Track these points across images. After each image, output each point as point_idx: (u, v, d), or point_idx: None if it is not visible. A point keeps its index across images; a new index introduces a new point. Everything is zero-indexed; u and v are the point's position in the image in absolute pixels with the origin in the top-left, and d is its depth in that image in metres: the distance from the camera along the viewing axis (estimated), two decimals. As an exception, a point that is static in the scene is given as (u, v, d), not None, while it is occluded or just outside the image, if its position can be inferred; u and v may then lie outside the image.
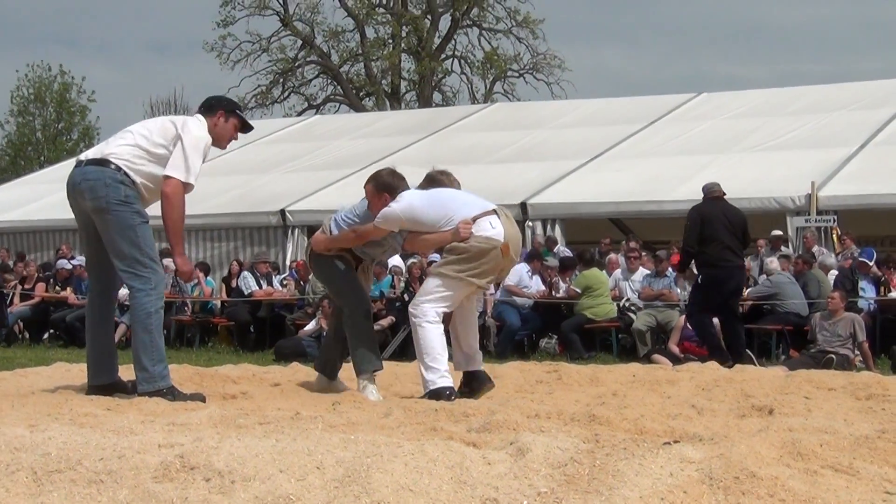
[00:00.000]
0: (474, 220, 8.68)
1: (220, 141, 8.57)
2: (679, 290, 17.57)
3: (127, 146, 8.18)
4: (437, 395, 8.29)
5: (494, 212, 8.86)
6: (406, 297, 17.61)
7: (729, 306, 14.74)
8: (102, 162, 8.14)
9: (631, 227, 23.25)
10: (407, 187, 9.20)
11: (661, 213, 20.98)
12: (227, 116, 8.56)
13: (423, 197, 9.05)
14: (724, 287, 14.55)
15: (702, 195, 15.17)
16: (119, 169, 8.08)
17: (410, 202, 8.91)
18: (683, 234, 15.01)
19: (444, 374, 8.56)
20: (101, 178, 8.09)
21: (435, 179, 9.43)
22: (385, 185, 9.15)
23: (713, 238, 14.53)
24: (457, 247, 8.63)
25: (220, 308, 21.23)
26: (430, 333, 8.61)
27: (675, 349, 15.61)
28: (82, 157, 8.44)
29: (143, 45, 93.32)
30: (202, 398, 8.01)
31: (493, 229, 8.71)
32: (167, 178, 8.09)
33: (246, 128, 8.79)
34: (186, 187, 8.16)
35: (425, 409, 6.98)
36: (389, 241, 9.43)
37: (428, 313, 8.64)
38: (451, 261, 8.67)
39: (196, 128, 8.29)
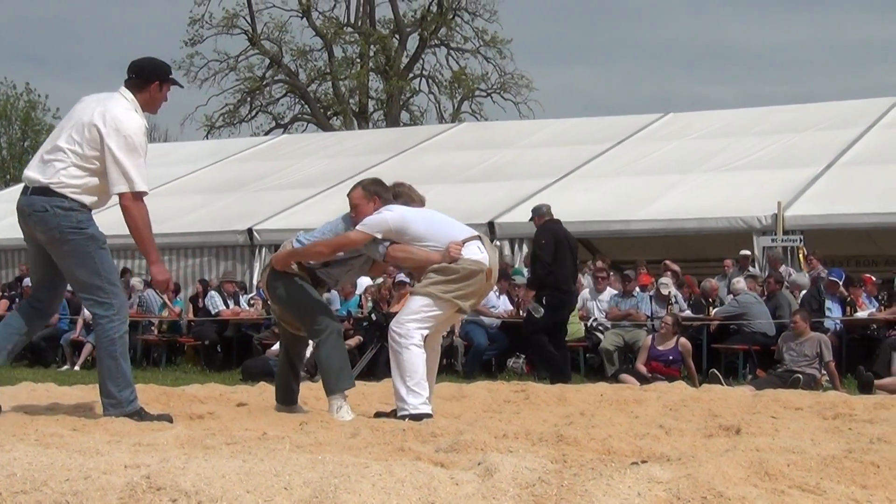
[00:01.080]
0: (463, 242, 8.65)
1: (153, 108, 8.36)
2: (646, 310, 17.61)
3: (64, 169, 7.92)
4: (417, 419, 8.07)
5: (479, 237, 8.85)
6: (373, 316, 17.60)
7: (563, 330, 15.31)
8: (47, 191, 7.93)
9: (598, 247, 23.30)
10: (391, 198, 9.07)
11: (629, 232, 21.06)
12: (161, 86, 8.31)
13: (415, 212, 8.96)
14: (565, 310, 14.94)
15: (536, 216, 15.13)
16: (65, 197, 7.91)
17: (403, 214, 8.80)
18: (536, 255, 15.06)
19: (426, 402, 8.45)
20: (49, 209, 7.91)
21: (401, 195, 9.28)
22: (375, 191, 8.99)
23: (562, 260, 14.72)
24: (447, 267, 8.55)
25: (186, 327, 21.16)
26: (416, 357, 8.46)
27: (643, 369, 15.64)
28: (26, 177, 8.16)
29: (110, 63, 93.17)
30: (169, 419, 7.95)
31: (481, 253, 8.69)
32: (119, 194, 8.00)
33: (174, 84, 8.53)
34: (140, 195, 8.07)
35: (393, 429, 6.97)
36: (356, 261, 9.16)
37: (414, 336, 8.48)
38: (438, 281, 8.55)
39: (122, 124, 8.02)
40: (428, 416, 8.27)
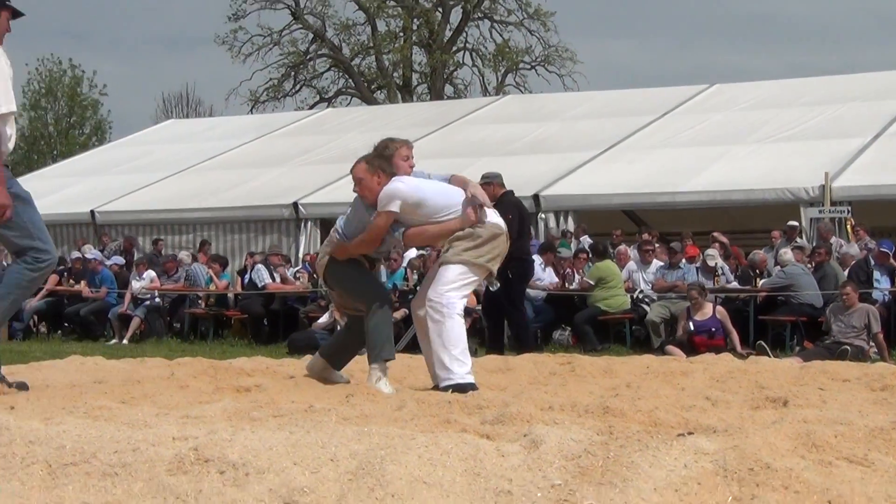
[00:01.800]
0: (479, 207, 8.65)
1: None
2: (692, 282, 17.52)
3: None
4: (462, 389, 8.01)
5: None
6: (418, 289, 17.58)
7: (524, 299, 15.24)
8: None
9: (644, 219, 23.22)
10: (395, 171, 8.88)
11: (674, 204, 20.99)
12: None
13: (426, 182, 8.94)
14: (527, 280, 14.81)
15: (495, 183, 14.67)
16: None
17: (418, 184, 8.78)
18: (511, 231, 14.66)
19: (470, 371, 8.48)
20: None
21: (390, 157, 8.99)
22: (379, 165, 8.80)
23: (524, 231, 14.63)
24: (472, 233, 8.57)
25: (233, 301, 21.25)
26: (459, 326, 8.50)
27: (681, 335, 15.63)
28: None
29: (154, 39, 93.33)
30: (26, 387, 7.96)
31: (497, 217, 8.78)
32: None
33: (16, 15, 8.39)
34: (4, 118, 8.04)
35: (439, 402, 6.98)
36: (388, 235, 8.92)
37: (457, 305, 8.50)
38: (469, 247, 8.56)
39: None
40: (473, 386, 8.26)
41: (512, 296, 14.36)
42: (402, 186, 8.63)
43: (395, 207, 8.55)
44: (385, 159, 8.96)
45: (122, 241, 24.46)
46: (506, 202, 14.34)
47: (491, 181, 14.32)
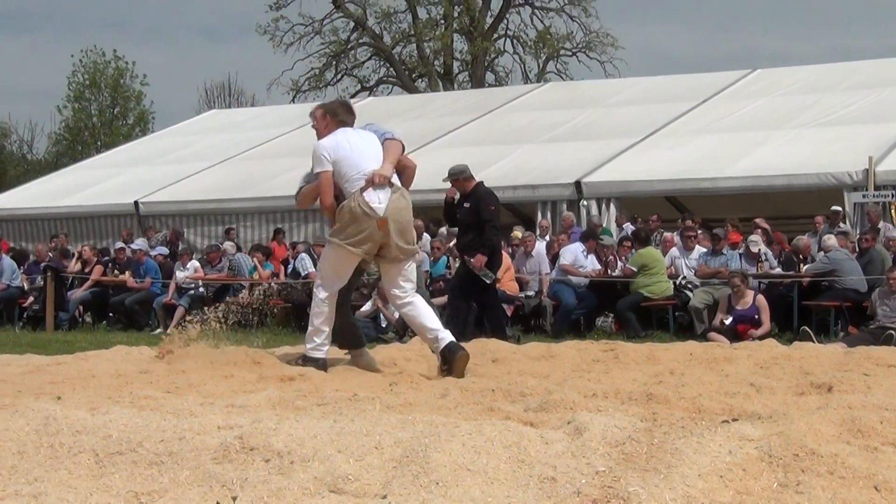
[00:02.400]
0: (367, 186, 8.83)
1: None
2: (735, 268, 17.44)
3: None
4: (313, 362, 8.98)
5: (390, 182, 8.95)
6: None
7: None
8: None
9: (686, 205, 23.12)
10: (350, 121, 9.28)
11: (716, 190, 20.90)
12: None
13: (354, 143, 9.09)
14: (495, 270, 14.73)
15: (462, 178, 14.47)
16: None
17: (339, 142, 9.04)
18: (485, 221, 14.36)
19: (319, 348, 9.13)
20: None
21: (340, 114, 9.39)
22: (332, 109, 9.32)
23: (497, 221, 14.54)
24: (339, 211, 8.88)
25: (277, 291, 21.31)
26: (324, 307, 9.14)
27: (720, 323, 15.58)
28: None
29: (196, 30, 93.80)
30: None
31: (379, 203, 8.82)
32: None
33: None
34: None
35: (482, 390, 6.99)
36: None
37: (320, 291, 9.12)
38: (336, 229, 8.97)
39: None
40: (319, 361, 9.02)
41: (482, 285, 14.27)
42: (324, 143, 9.02)
43: (323, 166, 8.96)
44: (344, 107, 9.42)
45: (168, 232, 24.63)
46: (480, 194, 14.26)
47: (458, 177, 14.26)
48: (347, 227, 8.84)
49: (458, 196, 14.38)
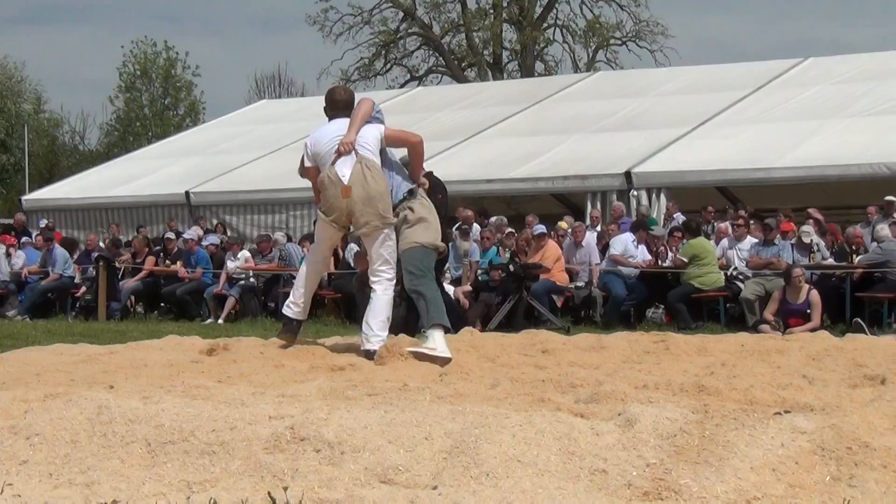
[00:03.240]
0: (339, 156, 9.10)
1: None
2: (787, 258, 17.33)
3: None
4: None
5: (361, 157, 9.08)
6: (511, 267, 17.57)
7: None
8: None
9: (738, 195, 22.98)
10: (343, 108, 9.47)
11: (769, 180, 20.77)
12: None
13: (327, 129, 9.42)
14: (443, 264, 14.74)
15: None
16: None
17: (316, 135, 9.47)
18: (444, 210, 14.27)
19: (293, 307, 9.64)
20: None
21: (327, 108, 9.67)
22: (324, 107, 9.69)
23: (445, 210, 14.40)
24: (320, 181, 9.24)
25: (327, 280, 21.36)
26: (301, 273, 9.89)
27: (770, 317, 15.46)
28: None
29: (247, 20, 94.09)
30: None
31: (344, 173, 9.03)
32: None
33: None
34: None
35: (533, 381, 6.98)
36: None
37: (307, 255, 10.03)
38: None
39: None
40: (285, 319, 9.69)
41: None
42: (306, 140, 9.53)
43: (304, 163, 9.49)
44: (327, 100, 9.73)
45: (218, 223, 24.79)
46: (431, 183, 14.17)
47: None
48: (321, 198, 9.23)
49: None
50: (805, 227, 17.99)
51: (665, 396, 6.16)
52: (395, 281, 9.35)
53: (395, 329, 11.38)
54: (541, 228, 18.53)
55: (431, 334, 8.94)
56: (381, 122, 9.45)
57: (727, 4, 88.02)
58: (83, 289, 22.28)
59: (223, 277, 21.10)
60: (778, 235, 17.92)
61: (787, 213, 19.49)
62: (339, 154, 9.06)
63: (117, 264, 22.40)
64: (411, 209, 9.34)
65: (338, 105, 9.54)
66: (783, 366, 8.39)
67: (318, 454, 4.62)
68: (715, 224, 19.96)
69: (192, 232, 22.90)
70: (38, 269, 22.64)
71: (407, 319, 12.24)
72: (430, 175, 14.24)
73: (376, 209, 9.05)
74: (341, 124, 9.30)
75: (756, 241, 18.16)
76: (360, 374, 8.01)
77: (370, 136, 9.21)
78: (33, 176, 49.39)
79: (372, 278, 9.26)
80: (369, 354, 8.90)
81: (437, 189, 13.98)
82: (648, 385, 6.66)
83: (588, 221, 20.80)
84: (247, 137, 30.59)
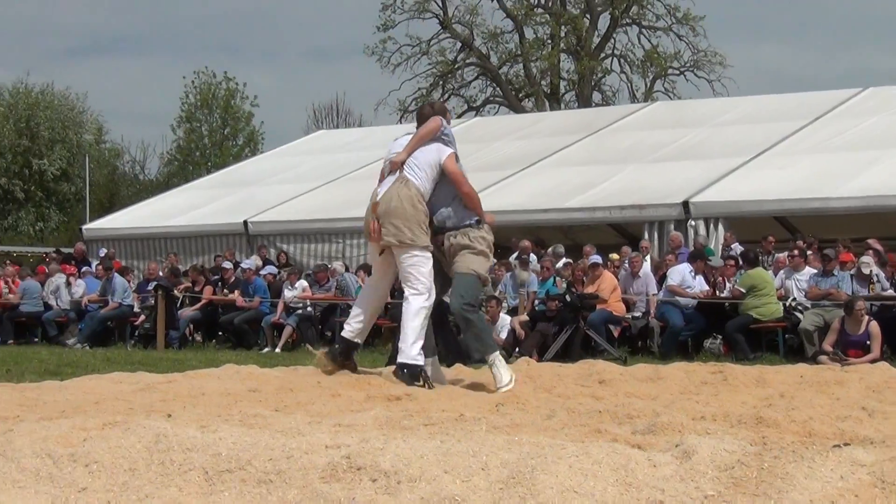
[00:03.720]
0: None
1: None
2: (847, 289, 17.18)
3: None
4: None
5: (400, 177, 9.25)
6: (568, 297, 17.54)
7: None
8: None
9: (796, 226, 22.84)
10: (422, 122, 9.67)
11: (827, 210, 20.62)
12: None
13: (394, 144, 9.75)
14: None
15: None
16: None
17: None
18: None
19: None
20: None
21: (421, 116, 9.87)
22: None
23: None
24: None
25: (383, 309, 21.40)
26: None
27: (829, 349, 15.33)
28: None
29: (305, 51, 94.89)
30: None
31: (381, 189, 9.29)
32: None
33: None
34: None
35: (589, 411, 6.96)
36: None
37: None
38: None
39: None
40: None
41: None
42: None
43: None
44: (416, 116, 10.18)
45: (279, 252, 24.93)
46: None
47: None
48: None
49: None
50: (864, 258, 17.83)
51: (723, 428, 6.12)
52: (427, 298, 9.28)
53: (452, 357, 11.48)
54: (595, 259, 18.52)
55: (498, 372, 9.03)
56: (447, 143, 9.43)
57: (785, 34, 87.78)
58: (142, 317, 22.44)
59: (280, 306, 21.20)
60: (837, 266, 17.78)
61: (846, 244, 19.33)
62: (390, 170, 9.22)
63: (176, 293, 22.56)
64: (472, 237, 9.33)
65: (419, 119, 9.78)
66: (842, 397, 8.32)
67: (375, 483, 4.62)
68: (774, 255, 19.84)
69: (251, 261, 23.04)
70: (98, 298, 22.87)
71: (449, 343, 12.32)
72: None
73: (396, 225, 9.12)
74: (399, 140, 9.50)
75: (815, 271, 18.04)
76: (417, 403, 8.01)
77: (424, 161, 9.26)
78: (94, 205, 49.96)
79: (407, 294, 9.26)
80: (399, 368, 9.07)
81: None
82: (706, 416, 6.62)
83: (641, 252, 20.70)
84: (304, 167, 30.76)
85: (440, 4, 53.13)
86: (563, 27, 52.82)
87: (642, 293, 18.85)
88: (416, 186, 9.15)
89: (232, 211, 27.19)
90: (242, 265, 22.56)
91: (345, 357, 9.63)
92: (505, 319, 18.24)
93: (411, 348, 9.07)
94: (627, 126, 29.28)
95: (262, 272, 22.47)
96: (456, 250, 9.23)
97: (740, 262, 18.69)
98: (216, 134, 57.76)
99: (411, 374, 8.94)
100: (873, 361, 13.63)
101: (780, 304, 17.71)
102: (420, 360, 9.07)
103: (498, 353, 9.17)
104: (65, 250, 30.82)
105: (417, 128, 9.66)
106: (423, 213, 9.16)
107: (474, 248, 9.24)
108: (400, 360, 9.10)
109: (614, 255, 20.26)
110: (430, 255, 9.18)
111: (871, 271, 17.46)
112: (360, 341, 9.78)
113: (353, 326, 9.64)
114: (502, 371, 8.98)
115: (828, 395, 8.51)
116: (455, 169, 9.37)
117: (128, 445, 5.18)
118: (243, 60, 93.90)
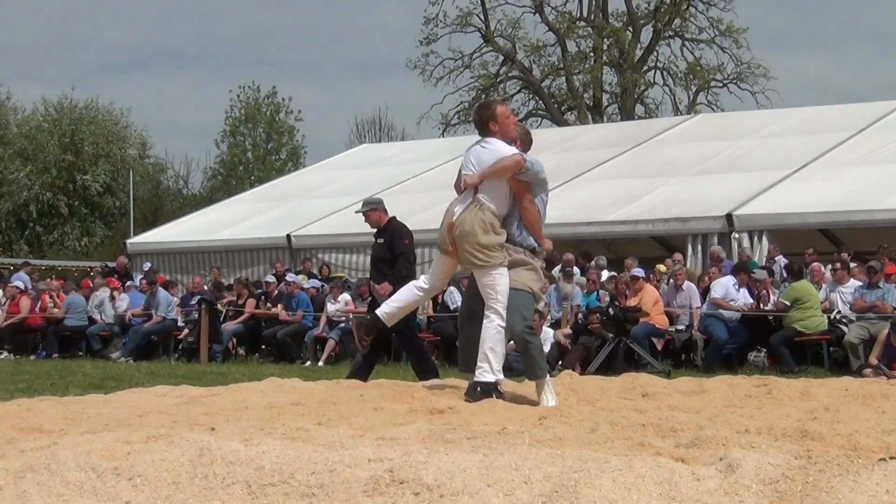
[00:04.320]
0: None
1: None
2: (892, 302, 17.05)
3: None
4: None
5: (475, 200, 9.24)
6: (611, 311, 17.50)
7: None
8: None
9: (841, 238, 22.70)
10: (478, 126, 9.84)
11: (873, 222, 20.47)
12: None
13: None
14: None
15: (381, 210, 14.06)
16: None
17: None
18: (402, 253, 13.86)
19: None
20: None
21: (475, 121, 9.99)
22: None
23: (411, 255, 14.09)
24: None
25: (426, 323, 21.41)
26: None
27: (875, 362, 15.21)
28: None
29: (348, 65, 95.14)
30: None
31: (458, 209, 9.32)
32: None
33: None
34: None
35: (633, 425, 6.93)
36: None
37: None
38: None
39: None
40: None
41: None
42: None
43: None
44: None
45: (322, 265, 24.99)
46: (394, 228, 13.98)
47: (375, 207, 14.02)
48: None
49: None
50: (910, 270, 17.73)
51: (767, 441, 6.08)
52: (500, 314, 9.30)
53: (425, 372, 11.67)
54: (637, 272, 18.47)
55: (545, 396, 9.05)
56: (532, 174, 9.37)
57: (830, 46, 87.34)
58: (186, 331, 22.53)
59: (323, 320, 21.25)
60: (882, 278, 17.66)
61: (891, 256, 19.19)
62: (465, 186, 9.36)
63: (219, 307, 22.65)
64: (528, 255, 9.36)
65: (476, 124, 9.90)
66: (888, 411, 8.26)
67: (417, 497, 4.62)
68: (811, 266, 19.72)
69: (294, 275, 23.11)
70: (142, 312, 22.98)
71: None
72: (392, 220, 14.24)
73: (469, 251, 9.14)
74: (474, 149, 9.60)
75: (860, 283, 17.92)
76: (459, 417, 8.00)
77: (495, 189, 9.28)
78: (138, 220, 50.27)
79: (485, 312, 9.25)
80: (472, 387, 9.09)
81: (402, 233, 13.98)
82: (750, 430, 6.58)
83: (678, 264, 20.59)
84: (347, 181, 30.83)
85: (482, 18, 53.18)
86: (605, 40, 52.70)
87: (686, 306, 18.78)
88: (490, 210, 9.17)
89: (275, 225, 27.30)
90: (286, 279, 22.62)
91: (366, 332, 9.80)
92: (548, 332, 18.21)
93: (486, 369, 9.13)
94: (670, 139, 29.19)
95: (306, 286, 22.53)
96: (513, 264, 9.24)
97: (776, 274, 18.60)
98: (259, 148, 58.00)
99: (483, 391, 8.97)
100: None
101: (825, 316, 17.61)
102: (492, 378, 9.13)
103: (549, 378, 9.20)
104: (110, 264, 31.03)
105: (478, 130, 9.74)
106: (498, 234, 9.20)
107: (529, 265, 9.27)
108: (476, 379, 9.14)
109: (661, 267, 20.19)
110: (505, 270, 9.17)
111: (916, 284, 17.34)
112: (387, 324, 9.83)
113: (387, 308, 9.81)
114: (549, 396, 9.01)
115: (873, 409, 8.44)
116: (530, 208, 9.40)
117: (171, 459, 5.20)
118: (286, 74, 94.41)
